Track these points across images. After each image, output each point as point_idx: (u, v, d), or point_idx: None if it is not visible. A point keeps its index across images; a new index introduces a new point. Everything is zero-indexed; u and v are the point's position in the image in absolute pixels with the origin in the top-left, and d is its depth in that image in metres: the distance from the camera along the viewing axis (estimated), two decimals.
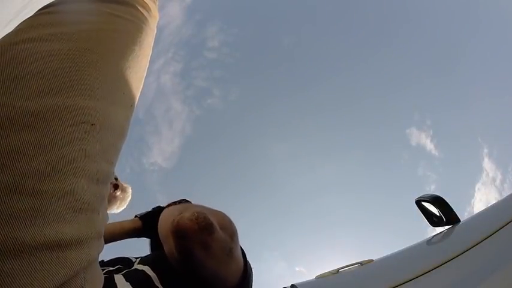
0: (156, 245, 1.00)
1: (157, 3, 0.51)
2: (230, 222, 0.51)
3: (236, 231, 0.51)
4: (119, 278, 0.60)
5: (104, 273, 0.64)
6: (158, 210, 1.04)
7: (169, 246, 0.52)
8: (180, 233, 0.43)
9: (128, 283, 0.58)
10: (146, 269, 0.62)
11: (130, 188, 1.45)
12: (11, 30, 0.36)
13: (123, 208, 1.41)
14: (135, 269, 0.65)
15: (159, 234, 0.57)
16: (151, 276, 0.59)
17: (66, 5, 0.40)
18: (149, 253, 0.91)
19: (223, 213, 0.52)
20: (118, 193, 1.40)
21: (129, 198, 1.44)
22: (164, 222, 0.56)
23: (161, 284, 0.58)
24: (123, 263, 0.72)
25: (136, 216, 1.06)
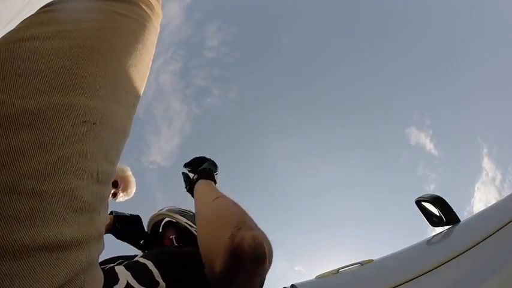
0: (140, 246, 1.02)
1: (160, 2, 0.50)
2: (272, 251, 0.47)
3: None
4: (119, 269, 0.60)
5: (107, 270, 0.65)
6: (136, 219, 1.06)
7: (212, 256, 0.48)
8: (237, 255, 0.40)
9: (129, 273, 0.58)
10: (149, 264, 0.61)
11: (134, 183, 1.45)
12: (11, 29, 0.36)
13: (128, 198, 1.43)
14: (137, 260, 0.65)
15: (202, 236, 0.53)
16: (153, 271, 0.58)
17: (67, 3, 0.40)
18: (149, 250, 0.92)
19: (268, 239, 0.49)
20: (119, 196, 1.40)
21: (133, 192, 1.45)
22: (216, 231, 0.51)
23: (163, 280, 0.57)
24: (123, 259, 0.72)
25: (111, 213, 1.09)
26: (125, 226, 1.05)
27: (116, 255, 0.78)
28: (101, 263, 0.72)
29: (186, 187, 0.87)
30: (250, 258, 0.39)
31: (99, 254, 0.32)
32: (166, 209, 1.04)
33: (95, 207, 0.30)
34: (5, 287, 0.22)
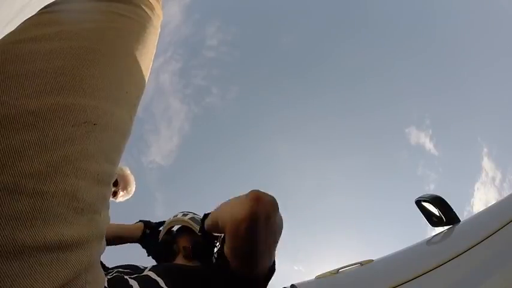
0: (156, 254, 1.01)
1: (161, 2, 0.50)
2: (282, 223, 0.55)
3: (281, 232, 0.55)
4: (133, 282, 0.62)
5: (115, 273, 0.66)
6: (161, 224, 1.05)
7: (237, 212, 0.53)
8: (257, 199, 0.49)
9: None
10: (160, 282, 0.65)
11: (133, 182, 1.46)
12: (11, 30, 0.36)
13: (127, 198, 1.45)
14: (148, 275, 0.67)
15: (219, 224, 0.57)
16: None
17: (68, 4, 0.40)
18: (160, 263, 0.93)
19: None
20: (120, 195, 1.41)
21: (133, 190, 1.46)
22: (233, 207, 0.56)
23: None
24: (131, 269, 0.74)
25: (140, 221, 1.08)
26: (154, 232, 1.04)
27: (124, 264, 0.78)
28: (110, 268, 0.73)
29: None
30: (267, 201, 0.49)
31: (101, 255, 0.32)
32: (190, 217, 1.00)
33: (96, 207, 0.30)
34: (6, 287, 0.22)
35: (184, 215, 1.02)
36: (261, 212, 0.48)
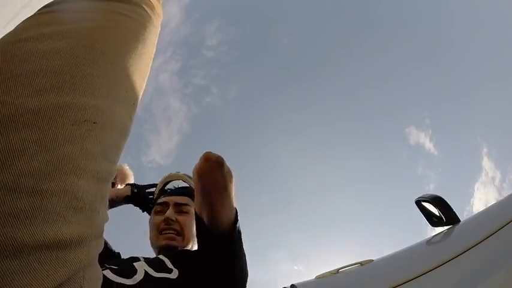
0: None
1: (161, 1, 0.50)
2: (232, 176, 0.68)
3: (231, 182, 0.67)
4: (137, 263, 0.71)
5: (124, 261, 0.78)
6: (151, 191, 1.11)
7: (194, 184, 0.69)
8: (206, 158, 0.64)
9: (144, 262, 0.71)
10: (166, 260, 0.74)
11: (131, 176, 1.48)
12: (11, 30, 0.36)
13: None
14: (148, 257, 0.78)
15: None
16: (165, 260, 0.73)
17: (67, 3, 0.40)
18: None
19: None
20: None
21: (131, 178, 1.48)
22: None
23: (174, 267, 0.71)
24: (133, 259, 0.80)
25: (128, 184, 1.18)
26: (141, 191, 1.12)
27: (127, 257, 0.82)
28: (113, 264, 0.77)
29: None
30: (214, 159, 0.64)
31: (99, 253, 0.32)
32: (183, 173, 1.05)
33: (95, 206, 0.30)
34: (5, 285, 0.22)
35: (187, 175, 1.07)
36: (206, 167, 0.64)
